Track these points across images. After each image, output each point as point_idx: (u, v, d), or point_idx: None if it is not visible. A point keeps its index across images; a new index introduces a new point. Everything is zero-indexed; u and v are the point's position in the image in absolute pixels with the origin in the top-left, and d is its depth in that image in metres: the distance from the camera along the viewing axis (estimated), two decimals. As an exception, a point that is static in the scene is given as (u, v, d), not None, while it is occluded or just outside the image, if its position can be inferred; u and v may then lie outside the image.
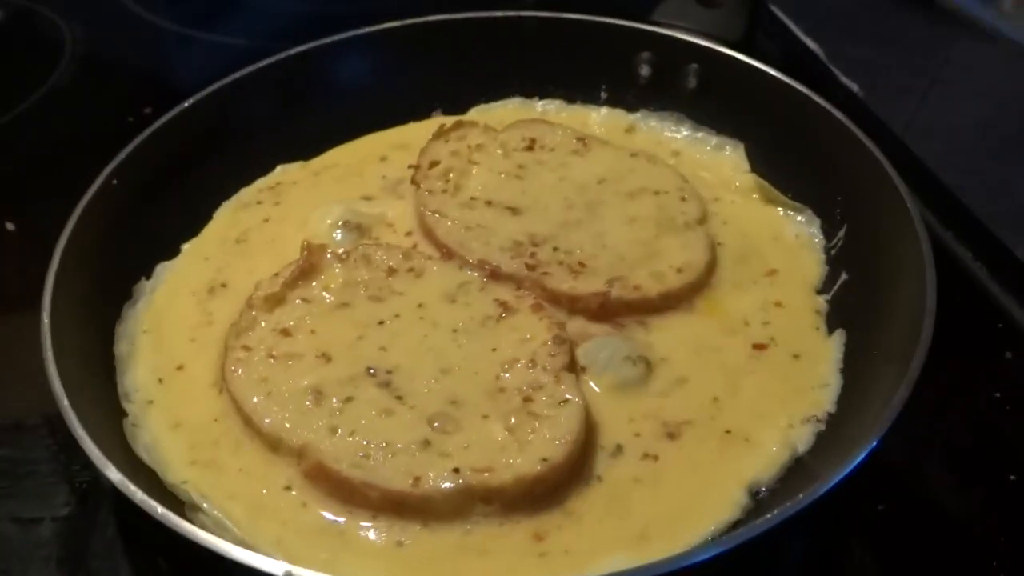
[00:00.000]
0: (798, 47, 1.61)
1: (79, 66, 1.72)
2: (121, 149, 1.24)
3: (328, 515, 0.98)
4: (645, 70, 1.43)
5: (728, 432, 1.04)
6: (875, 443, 0.91)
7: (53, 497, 1.09)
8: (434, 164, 1.32)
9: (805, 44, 1.59)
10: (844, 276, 1.19)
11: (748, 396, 1.07)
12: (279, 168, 1.39)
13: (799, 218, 1.28)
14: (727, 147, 1.37)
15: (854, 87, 1.51)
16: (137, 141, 1.26)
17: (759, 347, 1.13)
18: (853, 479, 0.89)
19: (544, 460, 0.97)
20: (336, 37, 1.42)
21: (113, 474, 0.91)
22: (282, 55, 1.40)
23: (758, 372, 1.10)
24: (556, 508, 0.98)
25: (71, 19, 1.80)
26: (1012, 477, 1.07)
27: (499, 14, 1.46)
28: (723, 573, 0.88)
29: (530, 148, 1.35)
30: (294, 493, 0.99)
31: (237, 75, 1.36)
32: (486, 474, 0.96)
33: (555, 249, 1.20)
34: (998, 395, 1.14)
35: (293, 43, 1.41)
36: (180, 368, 1.13)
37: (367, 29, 1.44)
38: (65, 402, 0.97)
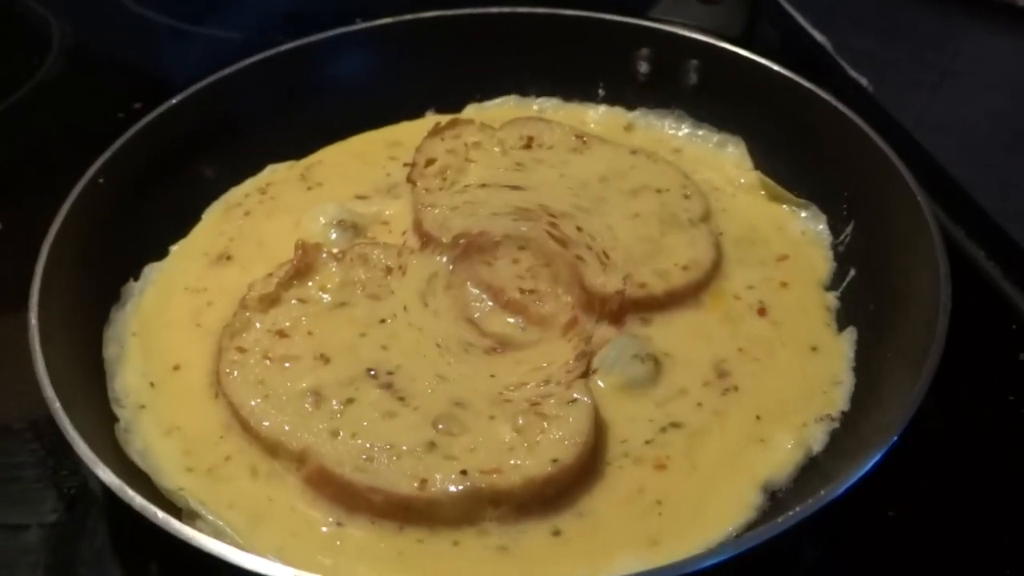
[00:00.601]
0: (804, 39, 1.61)
1: (67, 60, 1.71)
2: (109, 145, 1.23)
3: (331, 521, 0.97)
4: (644, 67, 1.43)
5: (759, 418, 1.05)
6: (894, 440, 0.90)
7: (40, 503, 1.08)
8: (431, 162, 1.32)
9: (811, 36, 1.59)
10: (853, 273, 1.19)
11: (763, 387, 1.08)
12: (269, 168, 1.38)
13: (804, 214, 1.28)
14: (729, 144, 1.38)
15: (862, 81, 1.51)
16: (124, 138, 1.25)
17: (762, 312, 1.15)
18: (862, 483, 0.89)
19: (554, 461, 0.97)
20: (328, 33, 1.42)
21: (110, 478, 0.90)
22: (272, 51, 1.39)
23: (770, 362, 1.10)
24: (567, 510, 0.97)
25: (59, 13, 1.79)
26: (1027, 483, 1.07)
27: (494, 10, 1.46)
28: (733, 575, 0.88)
29: (528, 147, 1.35)
30: (295, 500, 0.98)
31: (227, 71, 1.36)
32: (494, 476, 0.95)
33: (579, 229, 1.19)
34: (1011, 398, 1.14)
35: (286, 37, 1.41)
36: (176, 368, 1.12)
37: (360, 25, 1.44)
38: (57, 405, 0.96)
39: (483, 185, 1.28)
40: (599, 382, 1.07)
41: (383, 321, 1.11)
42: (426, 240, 1.21)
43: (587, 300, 1.14)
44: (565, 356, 1.09)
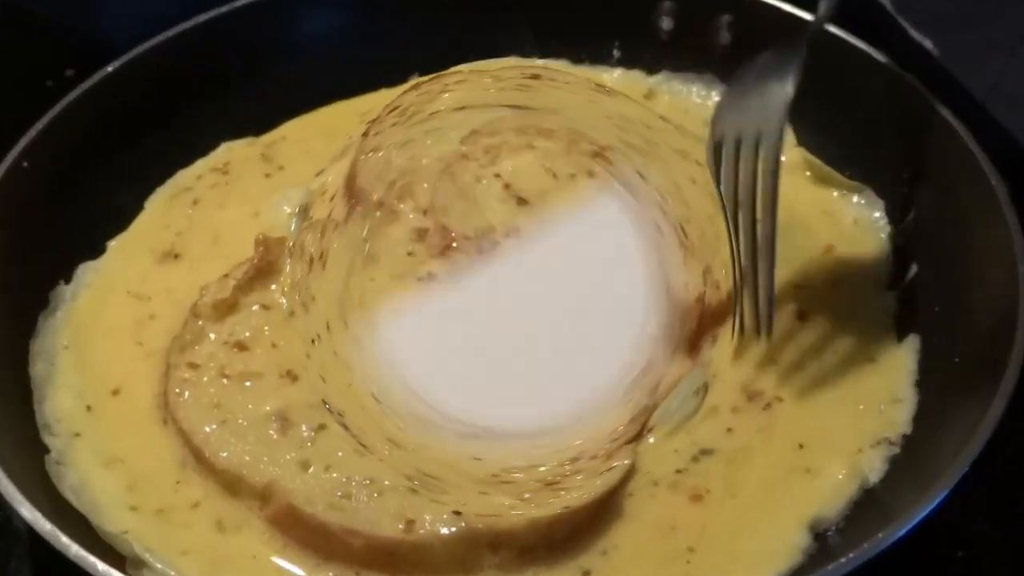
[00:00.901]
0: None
1: (-13, 20, 1.71)
2: (35, 121, 1.23)
3: (302, 571, 0.97)
4: (667, 23, 1.44)
5: (801, 446, 1.04)
6: (965, 470, 0.91)
7: (-48, 544, 1.08)
8: (394, 109, 1.27)
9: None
10: (915, 269, 1.19)
11: (809, 407, 1.08)
12: (224, 146, 1.39)
13: (857, 200, 1.28)
14: (768, 116, 1.37)
15: (927, 43, 1.50)
16: (53, 113, 1.25)
17: (805, 316, 1.14)
18: (926, 521, 0.89)
19: (563, 498, 0.97)
20: (295, -15, 1.42)
21: (40, 523, 0.90)
22: (228, 7, 1.40)
23: (817, 376, 1.10)
24: (581, 554, 0.97)
25: (-23, -35, 1.79)
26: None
27: (490, -45, 1.46)
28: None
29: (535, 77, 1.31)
30: (261, 545, 0.98)
31: (175, 31, 1.36)
32: (493, 516, 0.95)
33: (642, 176, 1.12)
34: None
35: (244, -9, 1.41)
36: (116, 392, 1.12)
37: (333, -26, 1.44)
38: (-26, 433, 0.97)
39: (461, 108, 1.21)
40: (650, 439, 1.05)
41: (313, 341, 1.09)
42: (354, 202, 1.15)
43: (667, 318, 1.10)
44: (612, 423, 1.05)
